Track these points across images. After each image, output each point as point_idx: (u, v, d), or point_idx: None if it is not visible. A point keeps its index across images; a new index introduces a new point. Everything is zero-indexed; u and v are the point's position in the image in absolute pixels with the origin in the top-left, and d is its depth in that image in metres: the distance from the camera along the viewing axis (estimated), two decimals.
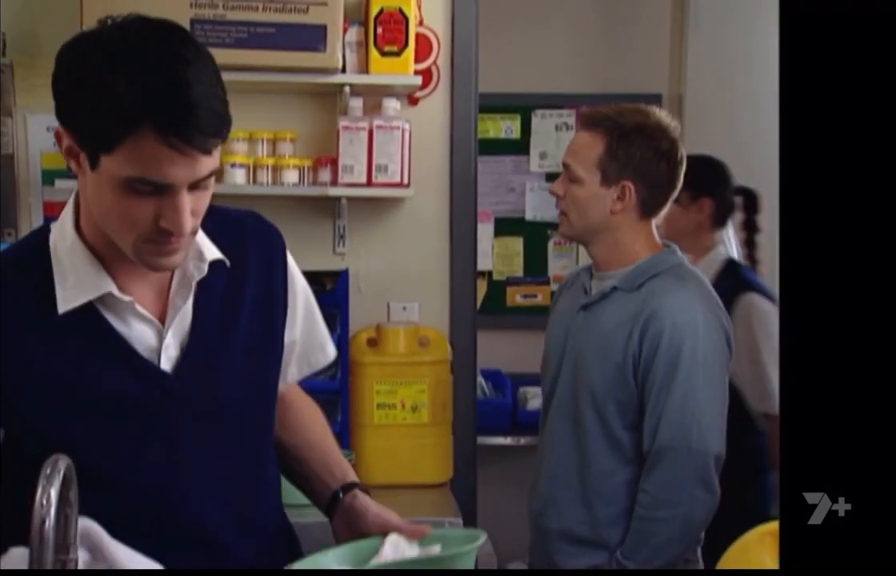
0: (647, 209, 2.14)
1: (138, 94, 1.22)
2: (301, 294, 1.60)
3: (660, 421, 2.01)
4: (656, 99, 4.25)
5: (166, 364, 1.41)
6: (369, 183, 2.74)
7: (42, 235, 1.43)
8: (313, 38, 2.64)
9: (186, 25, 2.56)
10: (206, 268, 1.42)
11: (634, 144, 2.08)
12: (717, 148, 3.89)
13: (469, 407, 2.91)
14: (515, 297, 4.37)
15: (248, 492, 1.50)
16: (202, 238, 1.43)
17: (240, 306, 1.47)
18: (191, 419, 1.43)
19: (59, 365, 1.37)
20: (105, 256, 1.39)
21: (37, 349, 1.37)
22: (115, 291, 1.38)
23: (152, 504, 1.42)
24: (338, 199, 2.82)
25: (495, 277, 4.35)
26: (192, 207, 1.30)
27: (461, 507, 2.62)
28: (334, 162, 2.74)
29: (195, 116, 1.23)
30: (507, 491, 3.58)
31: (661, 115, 2.15)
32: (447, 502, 2.65)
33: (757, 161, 3.88)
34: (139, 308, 1.40)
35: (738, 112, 4.09)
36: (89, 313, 1.38)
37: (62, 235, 1.40)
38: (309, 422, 1.66)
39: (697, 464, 2.01)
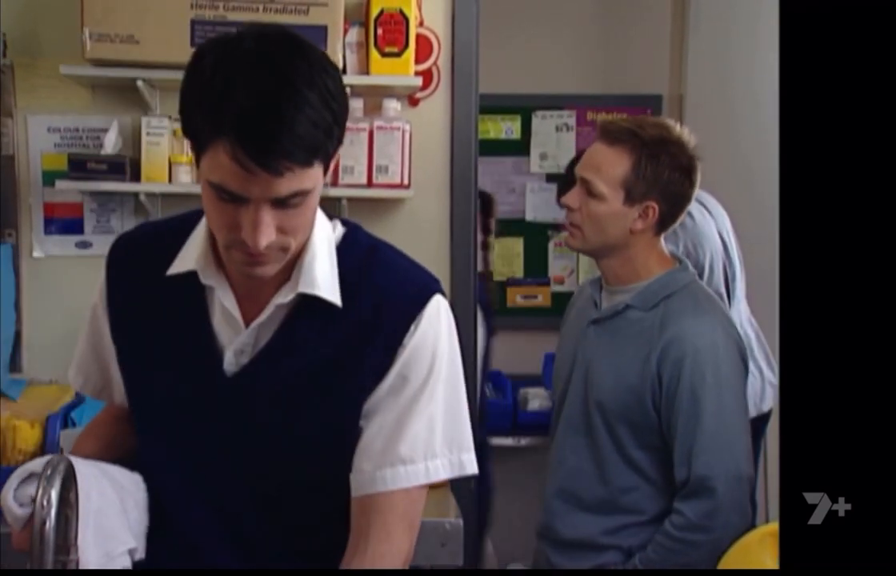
0: (663, 226, 2.11)
1: (225, 105, 1.21)
2: (409, 390, 1.41)
3: (693, 450, 1.98)
4: (656, 99, 4.26)
5: (231, 367, 1.41)
6: (370, 184, 2.74)
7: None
8: (314, 38, 2.58)
9: (187, 27, 2.59)
10: (291, 296, 1.38)
11: (662, 164, 2.04)
12: (717, 148, 3.90)
13: (470, 408, 2.91)
14: (516, 298, 4.37)
15: (259, 533, 1.44)
16: (318, 267, 1.39)
17: (328, 349, 1.39)
18: (226, 429, 1.41)
19: (149, 328, 1.44)
20: None
21: (143, 308, 1.45)
22: (201, 273, 1.39)
23: (159, 492, 1.43)
24: (338, 199, 2.82)
25: (496, 277, 4.35)
26: (278, 223, 1.28)
27: (461, 508, 2.61)
28: (335, 162, 2.74)
29: (272, 139, 1.21)
30: (507, 492, 3.58)
31: (681, 130, 2.10)
32: (448, 503, 2.65)
33: (757, 161, 3.90)
34: (222, 300, 1.40)
35: (738, 112, 4.08)
36: (195, 292, 1.42)
37: None
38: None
39: (734, 491, 1.99)
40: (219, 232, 1.32)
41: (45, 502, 1.10)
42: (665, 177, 2.04)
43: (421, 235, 2.89)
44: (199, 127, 1.26)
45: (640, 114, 3.68)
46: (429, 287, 1.45)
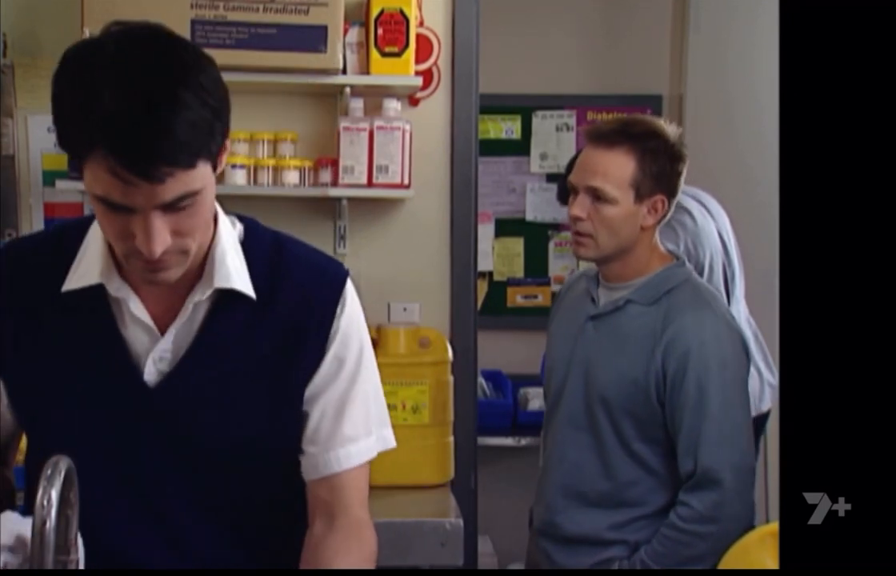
0: (665, 219, 2.14)
1: (92, 114, 1.15)
2: (346, 371, 1.42)
3: (699, 442, 2.00)
4: (656, 99, 4.26)
5: (151, 376, 1.36)
6: (370, 184, 2.74)
7: (90, 219, 1.40)
8: (314, 39, 2.65)
9: (187, 27, 2.59)
10: (209, 292, 1.35)
11: (662, 157, 2.07)
12: (717, 148, 3.90)
13: (470, 408, 2.91)
14: (516, 297, 4.37)
15: (199, 538, 1.40)
16: (230, 262, 1.36)
17: (253, 346, 1.38)
18: (154, 440, 1.36)
19: (51, 348, 1.36)
20: None
21: (40, 326, 1.36)
22: (108, 285, 1.34)
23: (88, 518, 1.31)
24: (338, 199, 2.82)
25: (496, 277, 4.35)
26: (172, 227, 1.23)
27: (461, 508, 2.62)
28: (335, 163, 2.74)
29: (148, 145, 1.15)
30: (507, 492, 3.59)
31: (663, 122, 2.14)
32: (447, 503, 2.65)
33: (756, 161, 3.90)
34: (133, 310, 1.35)
35: (738, 112, 4.09)
36: (100, 305, 1.35)
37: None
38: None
39: (739, 482, 2.01)
40: (115, 243, 1.26)
41: (45, 503, 1.09)
42: (667, 169, 2.08)
43: (421, 234, 2.90)
44: (72, 139, 1.19)
45: (640, 114, 3.69)
46: (341, 269, 1.46)
